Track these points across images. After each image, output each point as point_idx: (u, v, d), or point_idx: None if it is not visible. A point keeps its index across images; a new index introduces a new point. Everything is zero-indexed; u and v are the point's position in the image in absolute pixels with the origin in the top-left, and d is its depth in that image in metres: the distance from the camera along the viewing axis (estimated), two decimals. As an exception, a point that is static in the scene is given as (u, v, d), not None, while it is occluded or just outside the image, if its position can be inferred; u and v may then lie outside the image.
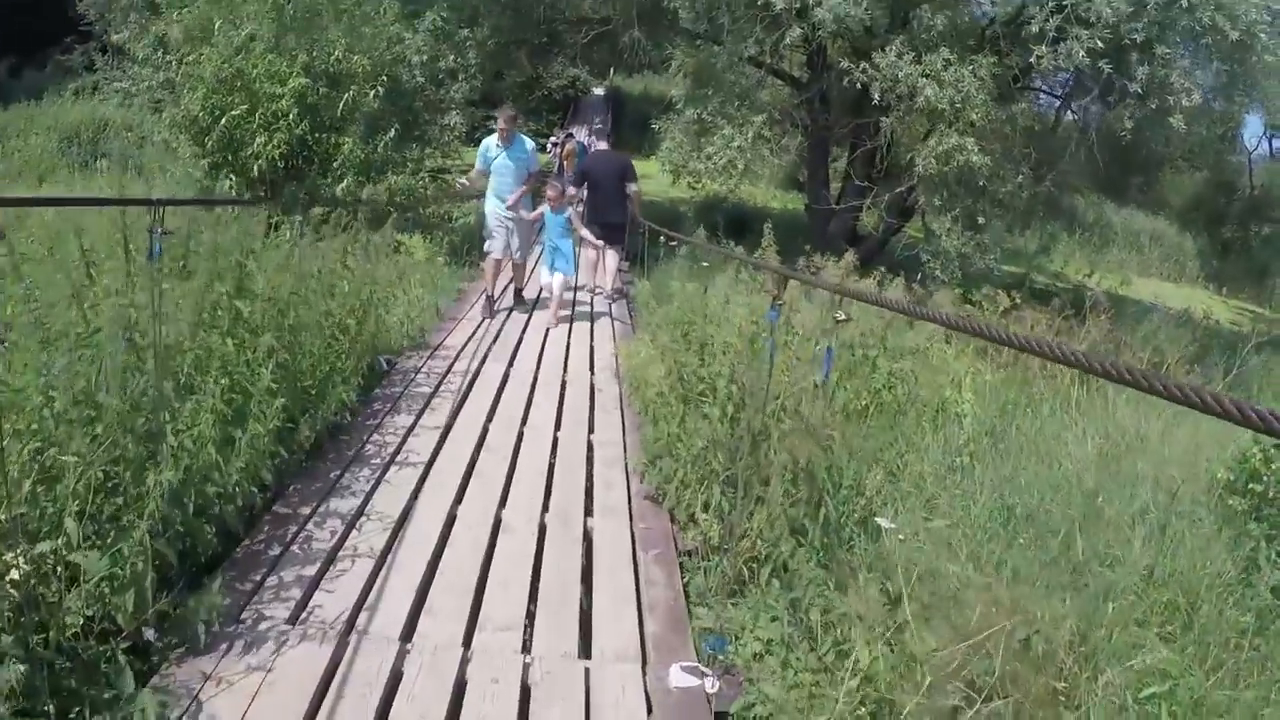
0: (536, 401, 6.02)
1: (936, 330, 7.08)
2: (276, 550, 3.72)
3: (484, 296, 8.85)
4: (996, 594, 3.67)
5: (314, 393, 4.82)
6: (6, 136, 20.75)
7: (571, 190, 10.10)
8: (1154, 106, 11.78)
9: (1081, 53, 10.68)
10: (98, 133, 23.11)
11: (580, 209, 9.99)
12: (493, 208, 8.73)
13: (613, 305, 9.85)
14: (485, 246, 8.99)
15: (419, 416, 5.49)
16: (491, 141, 8.68)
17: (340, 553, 3.77)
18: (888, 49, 11.64)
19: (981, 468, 4.81)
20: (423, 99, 14.77)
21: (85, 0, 25.60)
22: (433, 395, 5.92)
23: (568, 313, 9.01)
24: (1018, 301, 9.44)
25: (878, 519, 3.65)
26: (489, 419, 5.59)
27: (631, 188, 9.64)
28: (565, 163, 16.60)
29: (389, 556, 3.77)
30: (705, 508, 3.82)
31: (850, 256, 7.83)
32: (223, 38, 11.60)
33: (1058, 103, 17.17)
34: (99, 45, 25.46)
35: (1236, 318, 21.70)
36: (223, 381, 3.65)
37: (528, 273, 9.95)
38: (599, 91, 41.96)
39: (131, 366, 3.33)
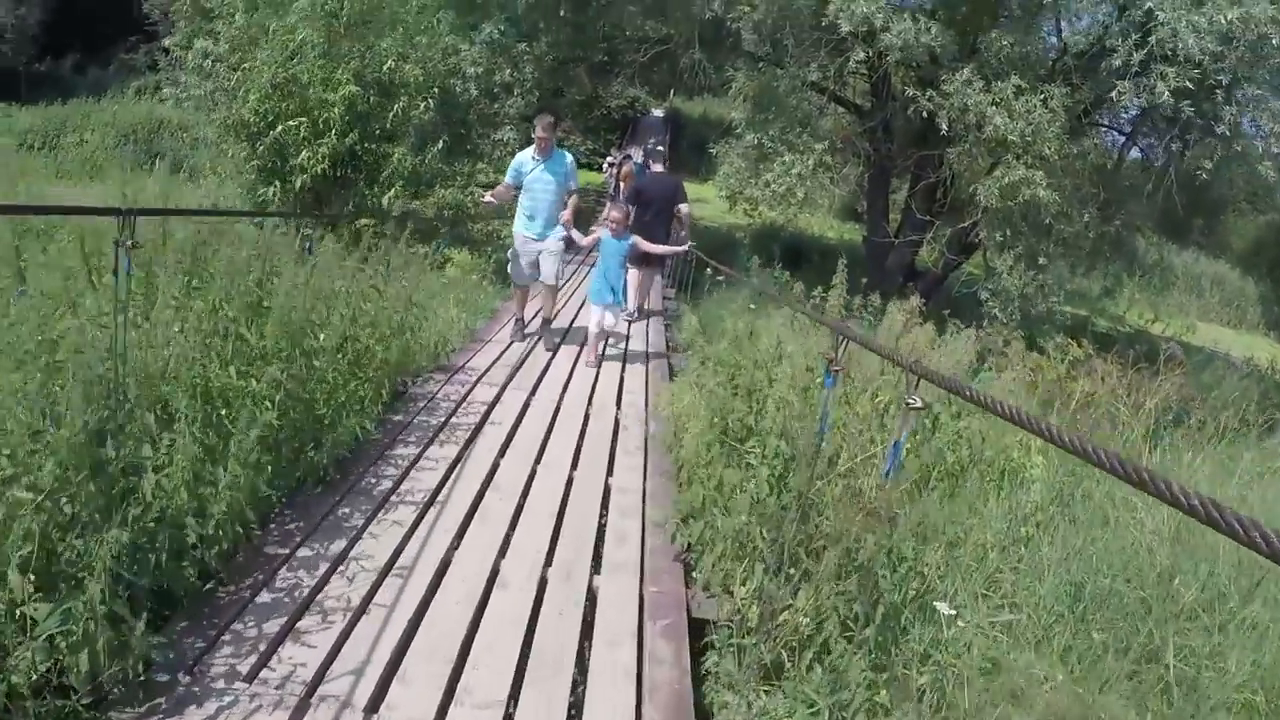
0: (555, 436, 5.63)
1: (1003, 381, 6.59)
2: (249, 594, 3.37)
3: (513, 320, 8.41)
4: (1064, 695, 3.21)
5: (327, 422, 4.50)
6: (65, 132, 21.06)
7: (624, 208, 9.60)
8: (1238, 149, 11.16)
9: (1167, 91, 10.07)
10: (153, 132, 23.46)
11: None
12: (521, 229, 7.86)
13: (650, 330, 9.65)
14: (511, 273, 8.25)
15: (428, 446, 5.13)
16: (527, 155, 7.75)
17: (318, 600, 3.41)
18: (956, 74, 11.13)
19: (1048, 539, 4.33)
20: (476, 112, 14.60)
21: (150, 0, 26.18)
22: (447, 423, 5.56)
23: (609, 351, 8.23)
24: (1089, 352, 8.86)
25: (936, 604, 3.20)
26: (502, 453, 5.21)
27: (683, 209, 9.84)
28: (623, 183, 16.30)
29: (368, 607, 3.40)
30: (744, 583, 3.37)
31: (915, 300, 7.28)
32: (277, 42, 11.50)
33: (1122, 139, 16.53)
34: (162, 45, 26.00)
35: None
36: (216, 413, 3.34)
37: (559, 303, 9.13)
38: (658, 113, 41.83)
39: (99, 396, 3.00)
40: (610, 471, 5.16)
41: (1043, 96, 10.76)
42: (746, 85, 12.62)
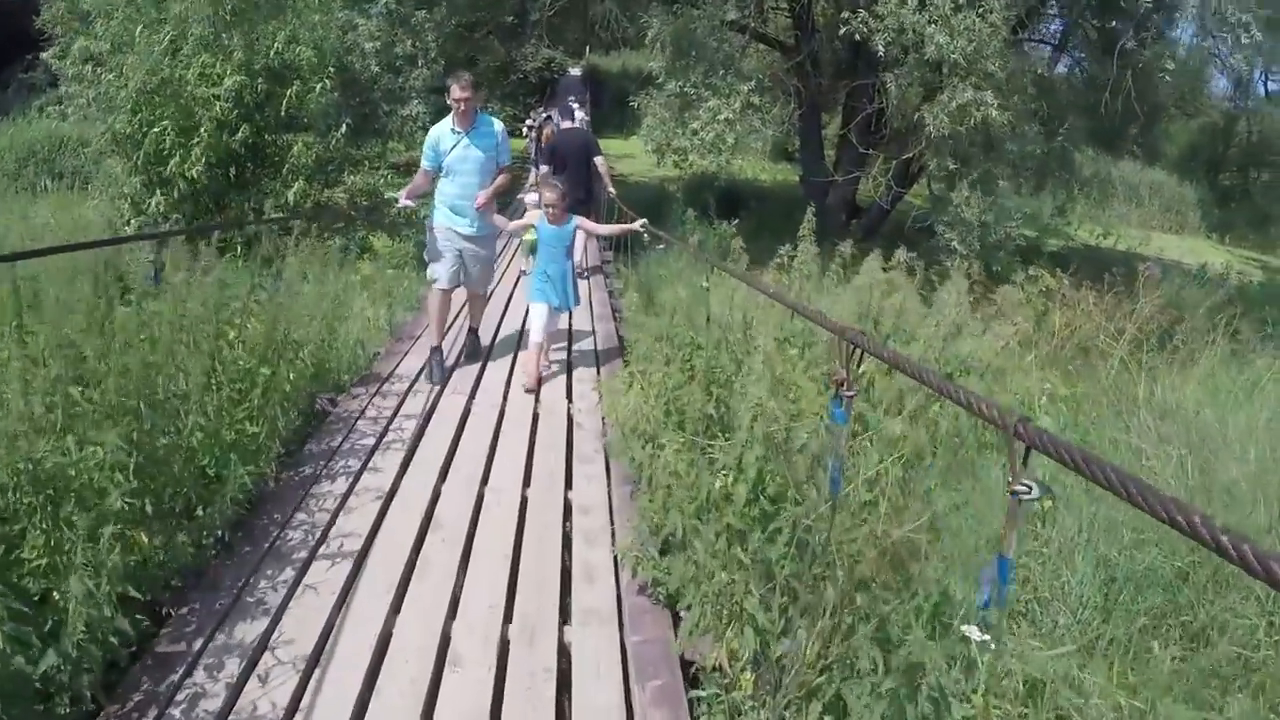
0: (502, 446, 4.91)
1: (1001, 336, 6.02)
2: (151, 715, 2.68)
3: (431, 351, 6.31)
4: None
5: (212, 474, 3.76)
6: (-39, 161, 19.57)
7: (544, 169, 10.03)
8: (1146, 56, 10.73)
9: None
10: (54, 151, 21.96)
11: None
12: (444, 221, 6.09)
13: (593, 297, 9.14)
14: (429, 273, 6.44)
15: (357, 478, 4.40)
16: (445, 128, 5.99)
17: (234, 714, 2.71)
18: (888, -6, 10.45)
19: (1070, 514, 3.76)
20: (380, 89, 13.59)
21: (45, 14, 24.32)
22: (375, 447, 4.82)
23: (553, 361, 6.75)
24: (1060, 279, 8.39)
25: (964, 630, 2.58)
26: (442, 477, 4.49)
27: (599, 161, 9.79)
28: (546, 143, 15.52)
29: (296, 717, 2.72)
30: (734, 654, 2.72)
31: (903, 253, 6.62)
32: (143, 44, 10.47)
33: (1049, 51, 16.12)
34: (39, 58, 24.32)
35: (1243, 267, 20.70)
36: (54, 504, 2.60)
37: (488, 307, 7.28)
38: (575, 72, 40.55)
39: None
40: (569, 483, 4.48)
41: (980, 10, 10.13)
42: (663, 31, 11.81)
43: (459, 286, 6.31)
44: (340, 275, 9.40)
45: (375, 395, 5.69)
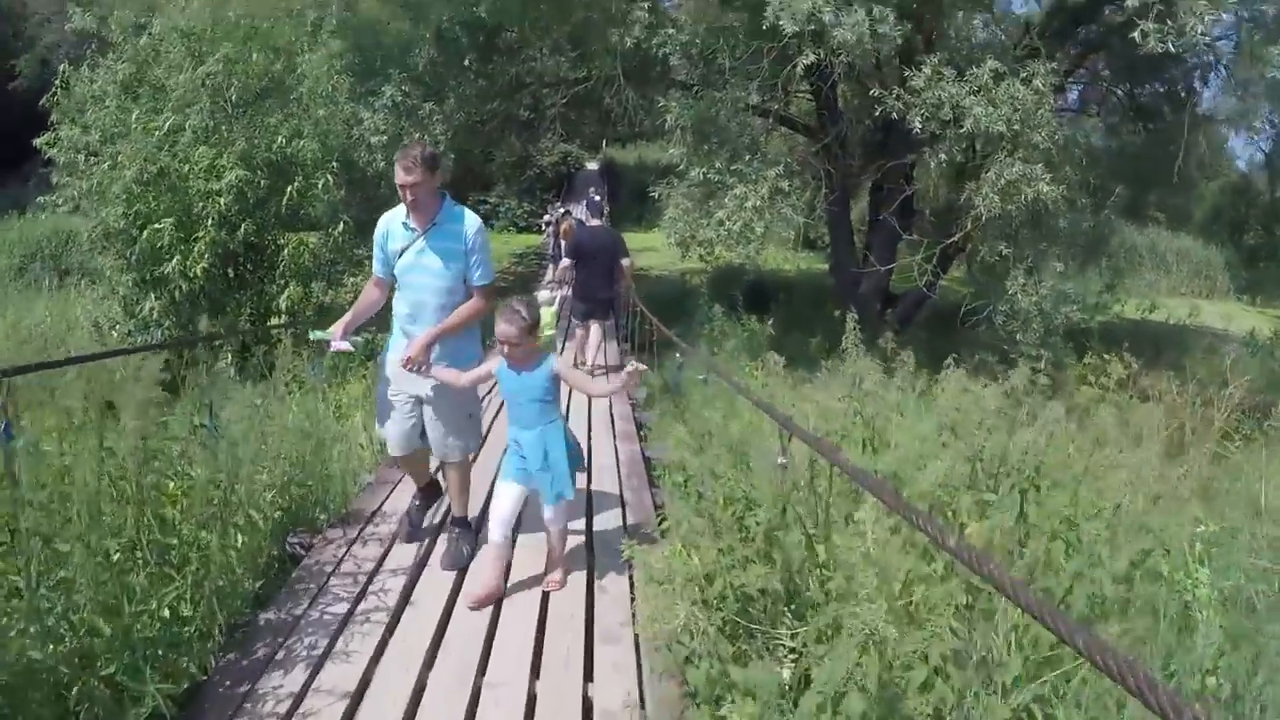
0: (505, 621, 3.88)
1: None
2: None
3: (404, 515, 4.96)
4: None
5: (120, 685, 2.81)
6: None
7: (565, 263, 9.85)
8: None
9: (1200, 27, 8.60)
10: (61, 246, 21.53)
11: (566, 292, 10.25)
12: (394, 354, 4.31)
13: (613, 405, 8.39)
14: (379, 431, 4.75)
15: (320, 666, 3.41)
16: (396, 218, 4.27)
17: None
18: (920, 69, 9.68)
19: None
20: (387, 185, 12.97)
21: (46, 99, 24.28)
22: (349, 617, 3.83)
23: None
24: (1131, 365, 7.42)
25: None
26: (428, 663, 3.48)
27: (625, 263, 9.65)
28: (564, 241, 14.98)
29: None
30: None
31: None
32: (140, 130, 9.88)
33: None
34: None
35: (1280, 328, 19.67)
36: None
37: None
38: (593, 166, 40.79)
39: None
40: (589, 673, 3.45)
41: (1024, 76, 9.36)
42: (683, 116, 11.14)
43: (419, 450, 4.58)
44: (335, 389, 8.59)
45: (356, 541, 4.72)
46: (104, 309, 10.47)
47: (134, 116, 9.93)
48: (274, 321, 10.75)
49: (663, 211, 13.26)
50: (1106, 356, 8.64)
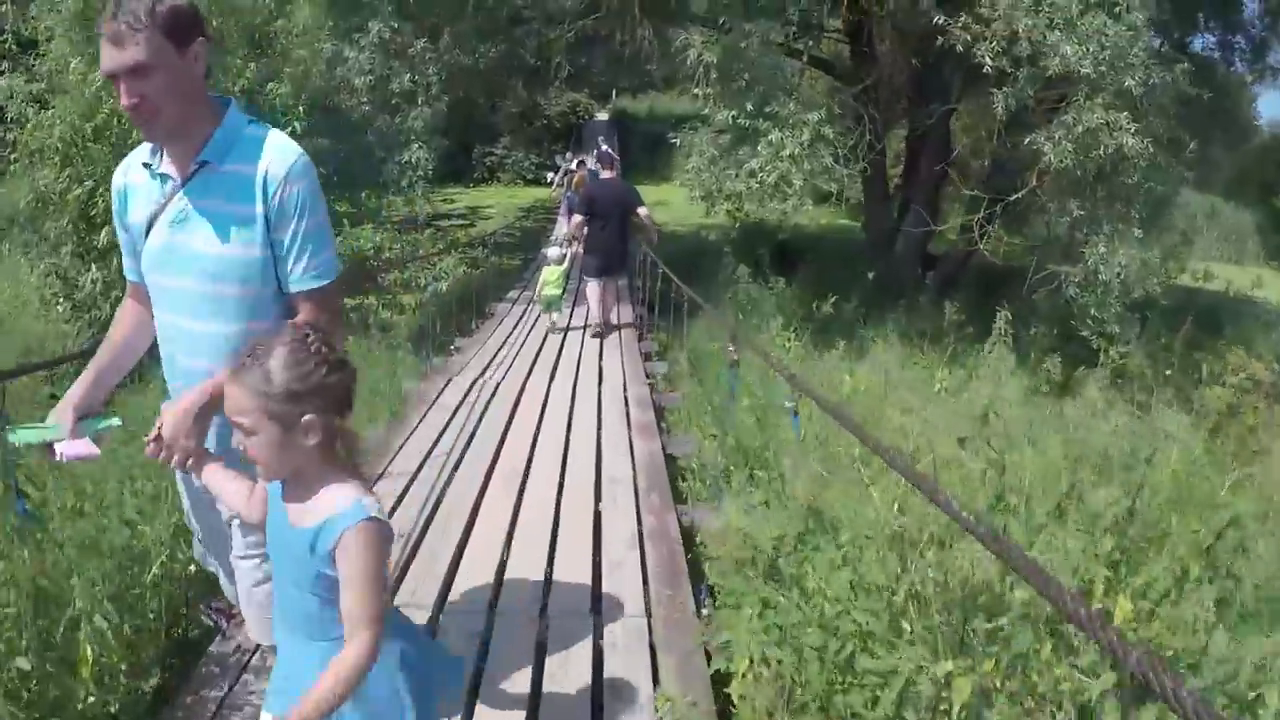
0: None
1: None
2: None
3: None
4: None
5: None
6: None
7: (578, 219, 9.31)
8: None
9: None
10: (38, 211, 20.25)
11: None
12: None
13: (627, 387, 7.18)
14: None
15: None
16: (134, 165, 2.22)
17: None
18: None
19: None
20: (374, 132, 11.60)
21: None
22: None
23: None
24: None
25: None
26: None
27: (643, 212, 9.16)
28: (577, 192, 13.83)
29: None
30: None
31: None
32: (77, 82, 8.58)
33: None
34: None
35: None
36: None
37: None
38: (603, 116, 39.14)
39: None
40: None
41: (1116, 10, 7.88)
42: (707, 51, 9.70)
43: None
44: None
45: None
46: (46, 284, 9.21)
47: (72, 67, 8.62)
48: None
49: (680, 163, 11.97)
50: (1218, 348, 7.40)
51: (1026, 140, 8.72)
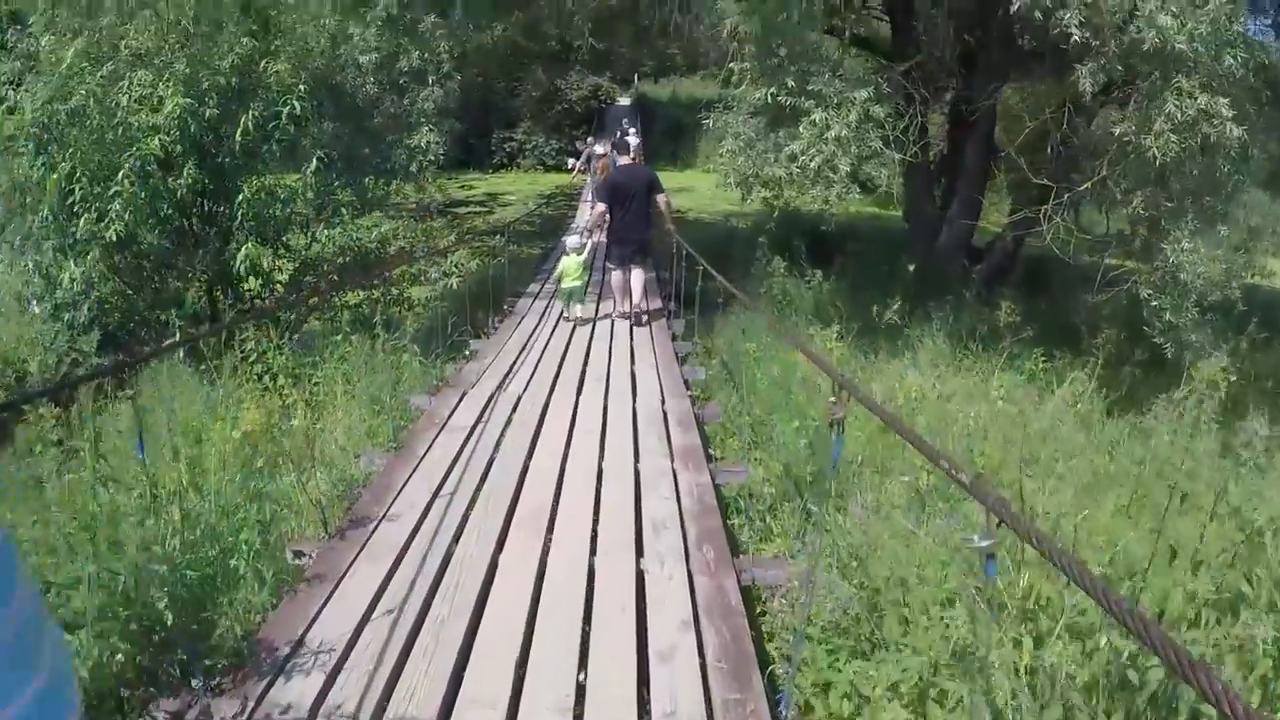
0: None
1: None
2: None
3: None
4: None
5: None
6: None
7: (600, 208, 9.22)
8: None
9: None
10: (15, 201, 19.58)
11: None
12: None
13: (665, 395, 6.53)
14: None
15: None
16: None
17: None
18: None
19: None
20: (381, 115, 10.76)
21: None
22: None
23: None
24: None
25: None
26: None
27: (662, 199, 9.03)
28: (601, 177, 13.28)
29: None
30: None
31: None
32: (50, 61, 7.82)
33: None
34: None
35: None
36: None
37: None
38: (624, 101, 38.31)
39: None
40: None
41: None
42: (744, 22, 8.79)
43: None
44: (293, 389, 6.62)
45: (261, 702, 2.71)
46: (23, 279, 8.45)
47: (44, 41, 7.86)
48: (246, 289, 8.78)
49: (705, 148, 11.07)
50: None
51: (1093, 124, 7.77)
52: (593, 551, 3.90)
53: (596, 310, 9.80)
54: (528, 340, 8.50)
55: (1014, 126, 13.45)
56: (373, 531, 3.99)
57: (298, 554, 3.92)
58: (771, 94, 8.61)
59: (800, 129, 8.49)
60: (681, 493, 4.59)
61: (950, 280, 12.34)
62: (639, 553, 3.90)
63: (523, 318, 9.70)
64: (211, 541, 3.61)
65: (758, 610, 3.90)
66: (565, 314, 9.34)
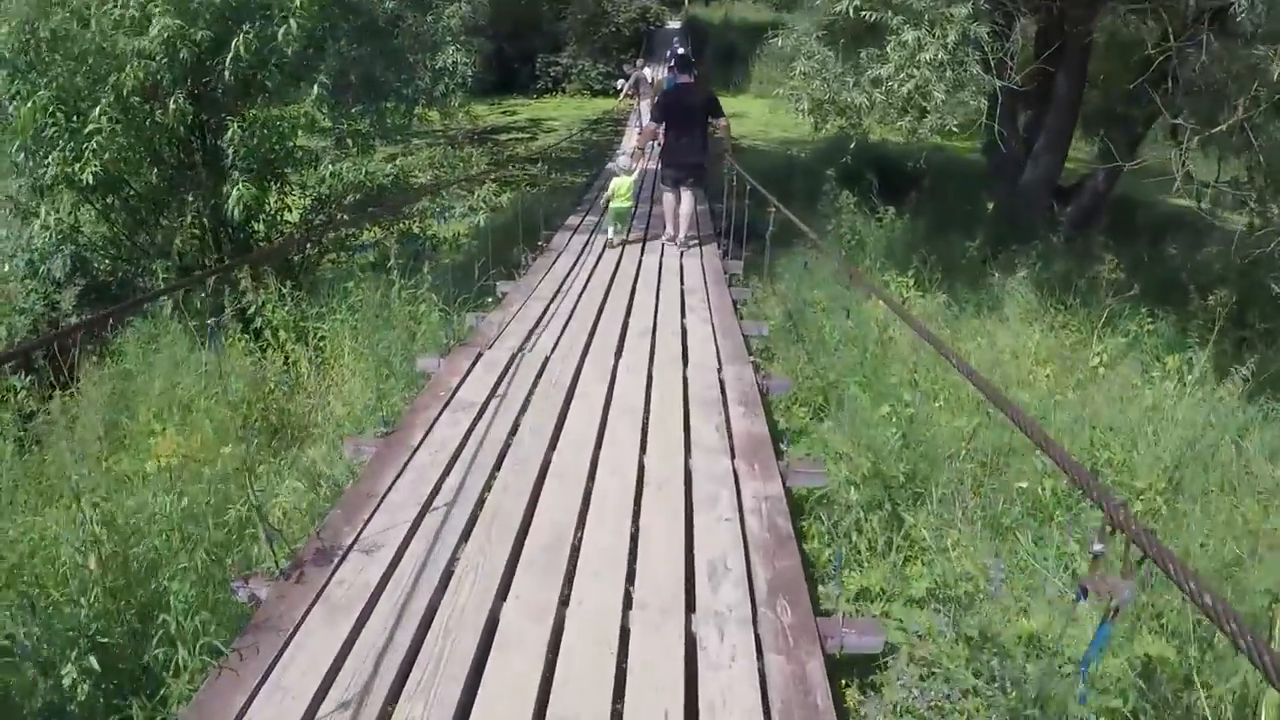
0: None
1: None
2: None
3: None
4: None
5: None
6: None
7: (651, 126, 8.89)
8: None
9: None
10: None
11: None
12: None
13: (722, 364, 5.39)
14: None
15: None
16: None
17: None
18: None
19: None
20: (403, 34, 9.62)
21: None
22: None
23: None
24: None
25: None
26: None
27: (723, 123, 8.59)
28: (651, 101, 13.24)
29: None
30: None
31: None
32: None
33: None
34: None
35: None
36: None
37: None
38: (674, 24, 36.72)
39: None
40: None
41: None
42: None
43: None
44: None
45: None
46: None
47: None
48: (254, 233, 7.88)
49: (759, 72, 9.81)
50: None
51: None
52: (626, 604, 2.94)
53: (645, 234, 9.54)
54: (562, 283, 7.47)
55: (1106, 56, 12.08)
56: (335, 569, 3.05)
57: (253, 598, 3.00)
58: (855, 6, 7.32)
59: (888, 50, 7.24)
60: (746, 510, 3.59)
61: (1035, 223, 11.14)
62: (689, 607, 2.93)
63: (559, 255, 8.68)
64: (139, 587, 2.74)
65: (842, 688, 2.94)
66: (609, 240, 9.00)
